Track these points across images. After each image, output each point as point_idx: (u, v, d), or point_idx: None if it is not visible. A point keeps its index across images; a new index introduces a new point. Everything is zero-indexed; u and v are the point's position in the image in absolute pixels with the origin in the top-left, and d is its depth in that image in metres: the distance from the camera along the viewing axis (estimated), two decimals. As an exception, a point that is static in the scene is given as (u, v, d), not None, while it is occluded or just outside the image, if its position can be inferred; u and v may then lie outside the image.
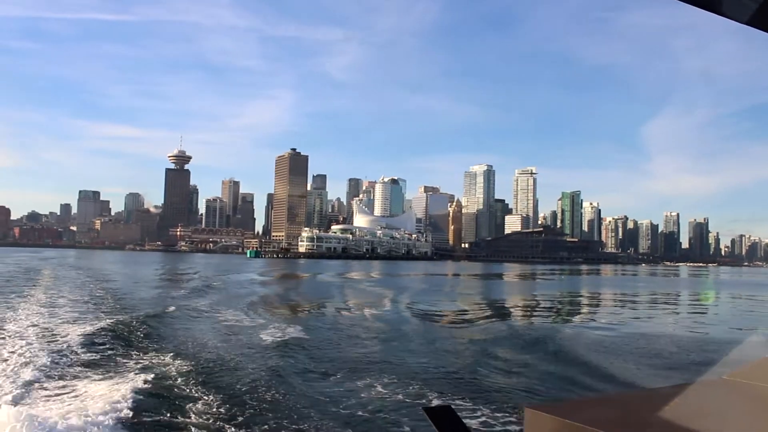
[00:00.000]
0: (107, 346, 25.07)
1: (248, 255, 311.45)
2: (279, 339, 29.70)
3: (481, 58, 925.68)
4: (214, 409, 15.45)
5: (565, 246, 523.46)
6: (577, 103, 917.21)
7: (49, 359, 21.32)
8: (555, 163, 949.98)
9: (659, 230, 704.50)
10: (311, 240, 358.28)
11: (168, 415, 14.80)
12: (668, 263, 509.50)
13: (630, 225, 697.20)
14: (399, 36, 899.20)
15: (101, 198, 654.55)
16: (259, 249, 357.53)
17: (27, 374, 18.51)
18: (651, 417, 3.87)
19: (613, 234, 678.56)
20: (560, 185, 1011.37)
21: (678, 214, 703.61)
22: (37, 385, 17.39)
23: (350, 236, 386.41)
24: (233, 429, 13.99)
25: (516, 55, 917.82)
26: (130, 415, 14.39)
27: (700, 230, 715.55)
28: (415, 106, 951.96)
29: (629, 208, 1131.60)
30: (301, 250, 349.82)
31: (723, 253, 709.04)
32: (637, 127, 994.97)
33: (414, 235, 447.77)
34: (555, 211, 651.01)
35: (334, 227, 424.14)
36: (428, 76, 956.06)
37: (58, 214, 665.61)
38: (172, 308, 41.97)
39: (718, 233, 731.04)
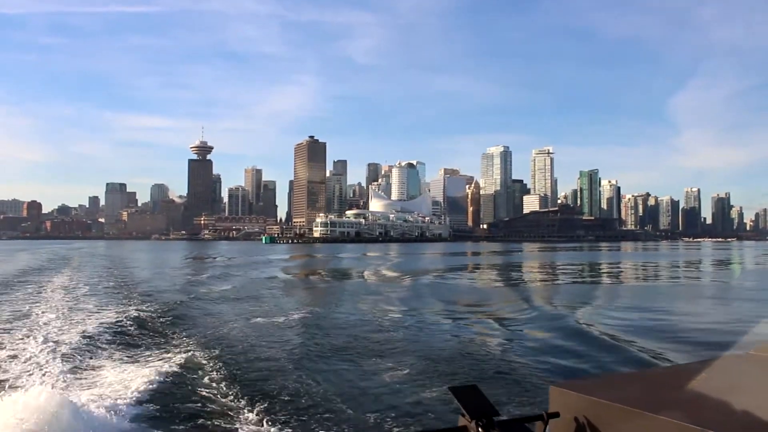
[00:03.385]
0: (135, 330, 24.97)
1: (264, 241, 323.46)
2: (296, 317, 30.20)
3: (503, 36, 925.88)
4: (240, 393, 15.10)
5: (581, 224, 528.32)
6: (602, 79, 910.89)
7: (78, 342, 21.29)
8: (579, 141, 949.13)
9: (680, 206, 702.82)
10: (325, 225, 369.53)
11: (193, 398, 14.66)
12: (686, 239, 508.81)
13: (651, 202, 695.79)
14: (421, 17, 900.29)
15: (128, 190, 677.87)
16: (276, 235, 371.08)
17: (57, 358, 18.59)
18: (677, 393, 3.85)
19: (632, 211, 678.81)
20: (586, 163, 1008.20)
21: (699, 190, 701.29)
22: (66, 368, 17.21)
23: (363, 220, 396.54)
24: (261, 412, 13.59)
25: (538, 31, 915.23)
26: (155, 400, 14.24)
27: (722, 205, 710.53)
28: (438, 88, 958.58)
29: (656, 184, 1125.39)
30: (316, 234, 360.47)
31: (748, 227, 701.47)
32: (664, 101, 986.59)
33: (427, 218, 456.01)
34: (576, 190, 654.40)
35: (348, 212, 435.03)
36: (450, 56, 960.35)
37: (87, 206, 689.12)
38: (195, 290, 44.41)
39: (741, 208, 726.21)
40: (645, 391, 3.94)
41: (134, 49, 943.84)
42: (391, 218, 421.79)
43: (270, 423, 12.93)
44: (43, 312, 30.12)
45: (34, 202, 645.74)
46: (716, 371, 4.28)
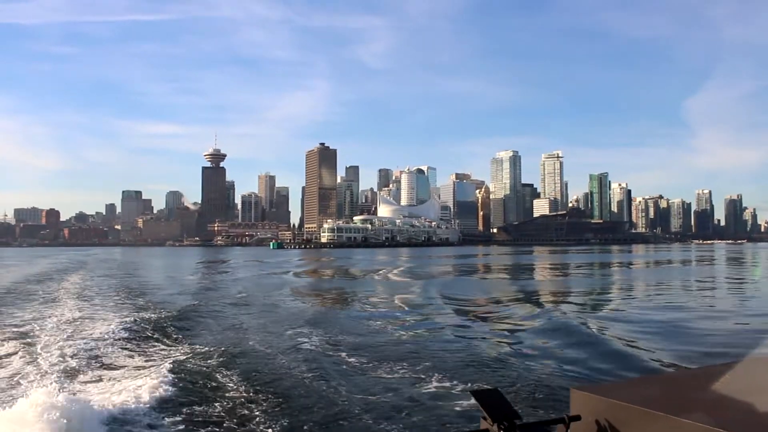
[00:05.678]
0: (146, 332, 25.00)
1: (271, 247, 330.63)
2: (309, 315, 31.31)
3: (515, 37, 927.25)
4: (249, 393, 15.05)
5: (590, 227, 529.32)
6: (615, 80, 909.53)
7: (88, 344, 21.41)
8: (592, 142, 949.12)
9: (692, 209, 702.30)
10: (332, 231, 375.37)
11: (204, 399, 14.55)
12: (697, 241, 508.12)
13: (663, 204, 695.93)
14: (432, 20, 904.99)
15: (143, 197, 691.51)
16: (288, 240, 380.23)
17: (66, 359, 18.60)
18: (699, 395, 3.85)
19: (643, 214, 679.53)
20: (599, 165, 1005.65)
21: (710, 192, 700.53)
22: (74, 370, 17.28)
23: (370, 226, 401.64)
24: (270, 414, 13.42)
25: (550, 32, 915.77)
26: (165, 402, 14.18)
27: (734, 207, 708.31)
28: (448, 91, 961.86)
29: (672, 185, 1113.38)
30: (323, 240, 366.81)
31: (762, 229, 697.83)
32: (679, 101, 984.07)
33: (434, 223, 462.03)
34: (587, 193, 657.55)
35: (356, 218, 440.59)
36: (461, 59, 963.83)
37: (104, 213, 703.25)
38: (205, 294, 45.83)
39: (755, 209, 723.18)
40: (666, 393, 3.94)
41: (146, 57, 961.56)
42: (397, 223, 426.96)
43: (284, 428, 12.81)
44: (54, 313, 31.34)
45: (52, 210, 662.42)
46: (738, 374, 4.23)
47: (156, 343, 22.91)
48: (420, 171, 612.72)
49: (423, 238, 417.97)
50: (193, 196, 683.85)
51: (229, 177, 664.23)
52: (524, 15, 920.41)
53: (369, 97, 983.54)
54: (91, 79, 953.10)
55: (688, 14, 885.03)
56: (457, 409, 14.16)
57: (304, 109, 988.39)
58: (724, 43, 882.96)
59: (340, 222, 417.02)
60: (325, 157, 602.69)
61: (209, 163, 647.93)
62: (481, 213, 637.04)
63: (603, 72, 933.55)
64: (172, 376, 16.67)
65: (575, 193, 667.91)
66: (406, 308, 36.71)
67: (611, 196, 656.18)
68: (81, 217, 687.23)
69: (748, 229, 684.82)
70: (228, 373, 17.47)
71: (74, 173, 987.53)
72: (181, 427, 12.87)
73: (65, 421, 11.06)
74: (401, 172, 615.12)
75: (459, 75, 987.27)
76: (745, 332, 25.86)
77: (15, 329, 25.77)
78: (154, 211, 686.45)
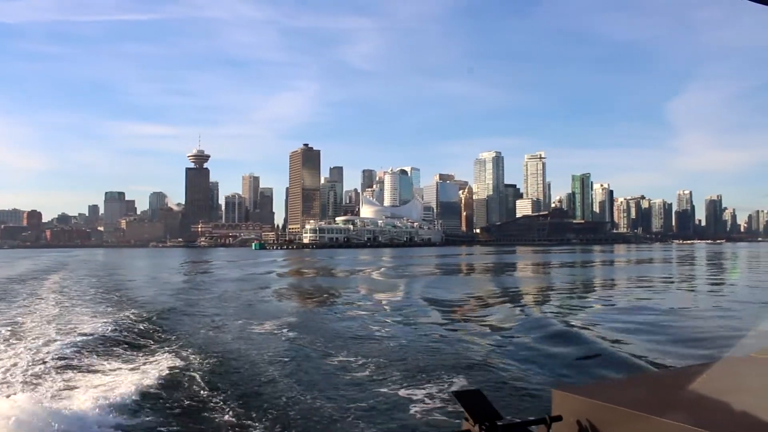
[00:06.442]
0: (125, 332, 24.92)
1: (254, 247, 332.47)
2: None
3: (502, 40, 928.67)
4: (230, 394, 15.13)
5: (572, 228, 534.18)
6: (600, 82, 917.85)
7: (66, 345, 21.01)
8: (577, 143, 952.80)
9: (674, 209, 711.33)
10: (314, 231, 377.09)
11: (186, 399, 14.55)
12: (677, 241, 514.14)
13: (645, 205, 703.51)
14: (420, 22, 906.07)
15: (126, 198, 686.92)
16: (271, 240, 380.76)
17: (41, 360, 18.30)
18: (679, 395, 3.89)
19: (625, 214, 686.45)
20: (583, 165, 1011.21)
21: (690, 192, 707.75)
22: (50, 373, 16.86)
23: (352, 227, 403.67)
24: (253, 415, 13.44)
25: (536, 35, 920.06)
26: (141, 404, 14.06)
27: (714, 207, 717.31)
28: (436, 93, 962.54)
29: (656, 186, 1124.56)
30: (305, 241, 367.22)
31: (741, 229, 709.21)
32: (663, 103, 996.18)
33: (416, 223, 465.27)
34: (569, 194, 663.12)
35: (338, 218, 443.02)
36: (448, 61, 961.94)
37: (87, 215, 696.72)
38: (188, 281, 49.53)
39: (734, 209, 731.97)
40: (647, 393, 3.97)
41: (133, 57, 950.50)
42: (379, 224, 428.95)
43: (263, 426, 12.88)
44: (32, 312, 31.95)
45: (34, 211, 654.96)
46: (718, 374, 4.29)
47: (134, 340, 23.74)
48: (403, 172, 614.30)
49: (405, 239, 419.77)
50: (176, 197, 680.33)
51: (213, 178, 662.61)
52: (510, 18, 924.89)
53: (356, 99, 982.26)
54: (77, 79, 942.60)
55: (671, 17, 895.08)
56: (348, 377, 17.00)
57: (292, 110, 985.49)
58: (707, 46, 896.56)
59: (323, 223, 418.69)
60: (309, 157, 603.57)
61: (193, 164, 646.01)
62: (464, 213, 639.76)
63: (587, 74, 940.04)
64: (151, 368, 17.76)
65: (558, 194, 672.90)
66: (384, 302, 39.59)
67: (593, 196, 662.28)
68: (63, 218, 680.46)
69: (728, 229, 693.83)
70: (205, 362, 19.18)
71: (58, 174, 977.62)
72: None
73: (37, 426, 10.87)
74: (385, 173, 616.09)
75: (446, 77, 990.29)
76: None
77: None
78: (138, 212, 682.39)
